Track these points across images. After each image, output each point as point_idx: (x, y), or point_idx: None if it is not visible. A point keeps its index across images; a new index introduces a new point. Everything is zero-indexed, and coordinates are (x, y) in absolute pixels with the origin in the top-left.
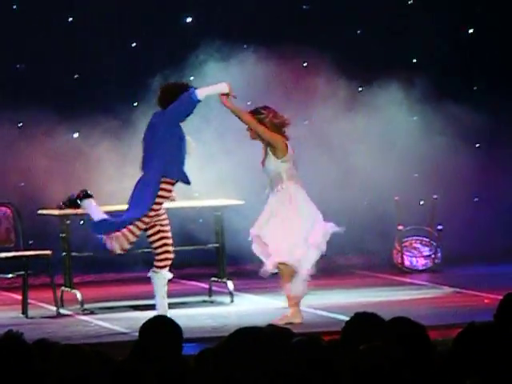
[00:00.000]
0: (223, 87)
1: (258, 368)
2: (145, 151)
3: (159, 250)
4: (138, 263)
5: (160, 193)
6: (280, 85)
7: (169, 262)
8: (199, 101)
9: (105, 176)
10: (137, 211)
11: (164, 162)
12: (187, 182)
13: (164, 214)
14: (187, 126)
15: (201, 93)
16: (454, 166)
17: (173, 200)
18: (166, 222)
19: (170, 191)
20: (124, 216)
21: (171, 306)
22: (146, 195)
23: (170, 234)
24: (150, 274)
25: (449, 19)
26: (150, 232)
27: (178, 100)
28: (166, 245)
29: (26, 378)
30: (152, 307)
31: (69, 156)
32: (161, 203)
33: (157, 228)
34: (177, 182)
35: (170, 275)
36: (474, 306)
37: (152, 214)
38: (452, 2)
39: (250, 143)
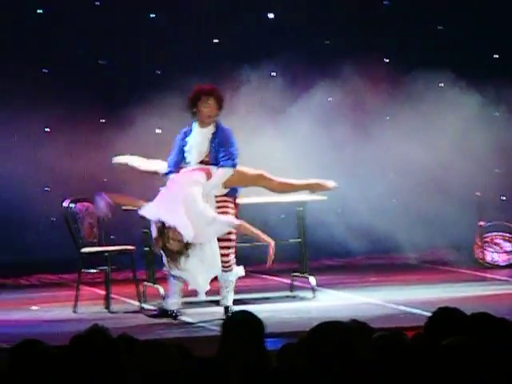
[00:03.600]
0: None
1: (341, 363)
2: None
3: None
4: None
5: None
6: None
7: None
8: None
9: None
10: None
11: None
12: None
13: None
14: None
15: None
16: None
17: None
18: None
19: None
20: None
21: (253, 301)
22: None
23: None
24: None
25: None
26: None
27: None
28: None
29: (111, 372)
30: (236, 302)
31: (152, 150)
32: None
33: None
34: None
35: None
36: None
37: None
38: None
39: (333, 140)
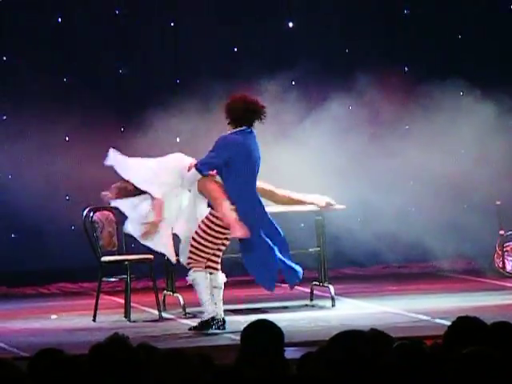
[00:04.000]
0: None
1: (360, 372)
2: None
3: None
4: (238, 267)
5: None
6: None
7: None
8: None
9: None
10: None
11: None
12: None
13: None
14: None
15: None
16: None
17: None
18: None
19: None
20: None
21: (273, 309)
22: None
23: None
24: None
25: None
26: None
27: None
28: None
29: (132, 381)
30: (252, 311)
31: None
32: None
33: None
34: None
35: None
36: None
37: None
38: None
39: (352, 151)
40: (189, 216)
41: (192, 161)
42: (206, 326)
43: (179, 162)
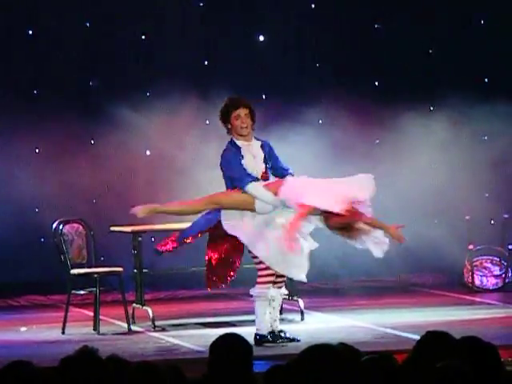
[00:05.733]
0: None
1: None
2: None
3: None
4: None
5: None
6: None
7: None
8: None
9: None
10: None
11: None
12: None
13: None
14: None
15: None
16: None
17: None
18: None
19: None
20: None
21: (242, 323)
22: None
23: None
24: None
25: None
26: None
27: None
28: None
29: None
30: (221, 325)
31: (142, 172)
32: None
33: None
34: None
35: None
36: None
37: None
38: None
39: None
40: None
41: None
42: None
43: None
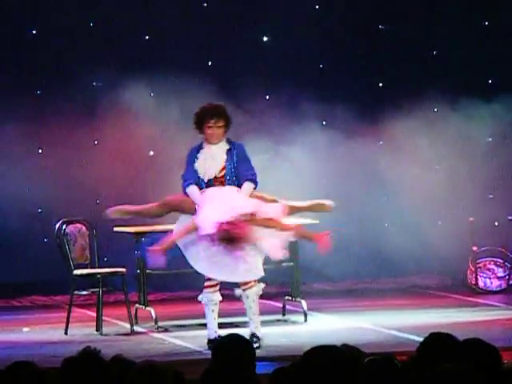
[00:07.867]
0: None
1: None
2: None
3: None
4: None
5: None
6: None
7: None
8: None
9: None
10: None
11: None
12: None
13: None
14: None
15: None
16: None
17: None
18: None
19: None
20: None
21: (245, 324)
22: None
23: None
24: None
25: None
26: None
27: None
28: None
29: None
30: (227, 326)
31: (145, 173)
32: None
33: None
34: None
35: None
36: None
37: None
38: None
39: (326, 167)
40: None
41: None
42: None
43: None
